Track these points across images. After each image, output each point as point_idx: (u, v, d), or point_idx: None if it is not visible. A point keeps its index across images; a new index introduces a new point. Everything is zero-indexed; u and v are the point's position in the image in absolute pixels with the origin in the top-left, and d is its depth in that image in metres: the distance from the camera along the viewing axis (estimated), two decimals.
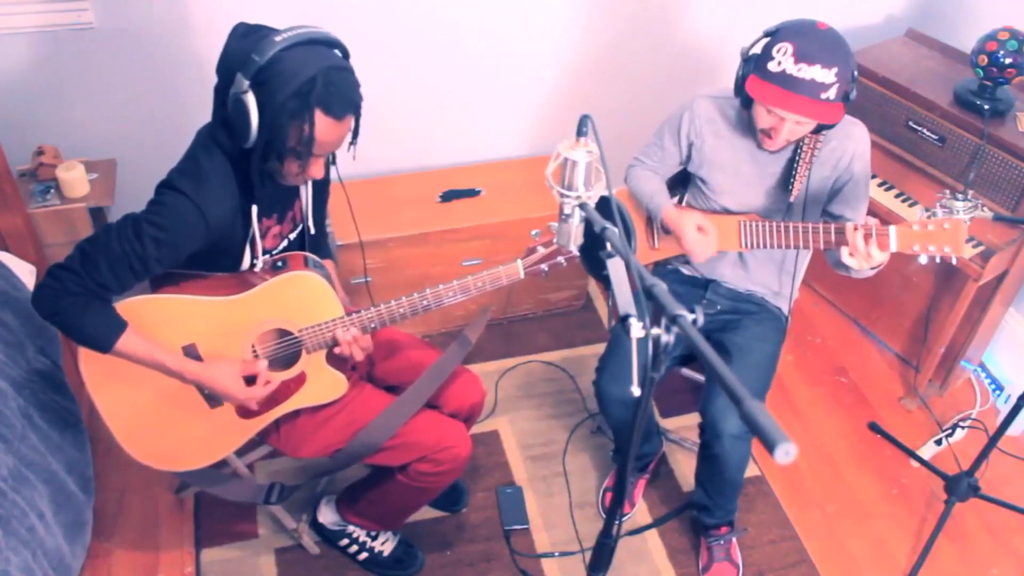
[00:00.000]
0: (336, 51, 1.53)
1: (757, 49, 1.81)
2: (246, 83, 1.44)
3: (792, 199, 1.97)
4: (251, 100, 1.44)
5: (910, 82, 2.61)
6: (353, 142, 1.59)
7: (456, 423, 1.93)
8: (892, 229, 1.75)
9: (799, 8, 2.93)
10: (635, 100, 3.01)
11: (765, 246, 1.99)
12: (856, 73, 1.78)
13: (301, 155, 1.51)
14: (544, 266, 1.74)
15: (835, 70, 1.70)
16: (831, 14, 2.99)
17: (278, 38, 1.44)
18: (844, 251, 1.81)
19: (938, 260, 1.76)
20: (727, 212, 2.06)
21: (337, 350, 1.76)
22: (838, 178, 1.97)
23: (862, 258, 1.78)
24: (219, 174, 1.55)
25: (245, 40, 1.47)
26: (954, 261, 1.74)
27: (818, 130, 1.87)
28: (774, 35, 1.78)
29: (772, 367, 2.10)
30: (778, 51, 1.73)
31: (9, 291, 1.99)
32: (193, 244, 1.56)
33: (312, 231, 1.85)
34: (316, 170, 1.57)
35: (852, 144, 1.93)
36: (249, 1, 2.40)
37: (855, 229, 1.78)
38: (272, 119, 1.46)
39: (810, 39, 1.72)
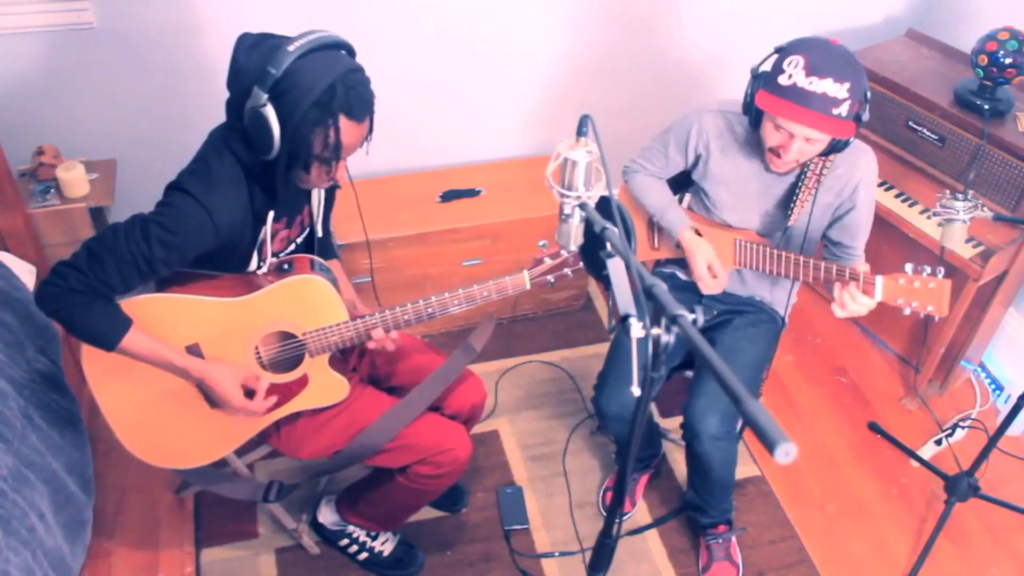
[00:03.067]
0: (344, 52, 1.52)
1: (767, 66, 1.77)
2: (264, 96, 1.43)
3: (791, 223, 1.96)
4: (271, 113, 1.44)
5: (910, 82, 2.61)
6: (368, 138, 1.59)
7: (456, 425, 1.93)
8: (879, 280, 1.76)
9: (799, 9, 2.94)
10: (635, 100, 3.01)
11: (758, 269, 1.99)
12: (868, 93, 1.73)
13: (328, 161, 1.52)
14: (550, 277, 1.74)
15: (847, 85, 1.66)
16: (831, 14, 3.01)
17: (291, 47, 1.42)
18: (834, 306, 1.81)
19: (922, 316, 1.76)
20: (727, 225, 2.06)
21: (371, 344, 1.76)
22: (840, 205, 1.94)
23: (847, 311, 1.79)
24: (230, 178, 1.55)
25: (254, 51, 1.45)
26: (936, 319, 1.76)
27: (826, 152, 1.83)
28: (784, 50, 1.73)
29: (762, 368, 2.10)
30: (789, 64, 1.69)
31: (9, 291, 1.99)
32: (201, 247, 1.56)
33: (320, 233, 1.85)
34: (339, 173, 1.58)
35: (859, 172, 1.89)
36: (249, 2, 2.40)
37: (843, 286, 1.78)
38: (295, 130, 1.45)
39: (822, 52, 1.68)
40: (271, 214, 1.62)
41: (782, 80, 1.70)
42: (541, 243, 1.75)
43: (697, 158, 2.04)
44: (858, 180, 1.90)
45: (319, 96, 1.43)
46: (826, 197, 1.93)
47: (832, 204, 1.95)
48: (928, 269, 1.73)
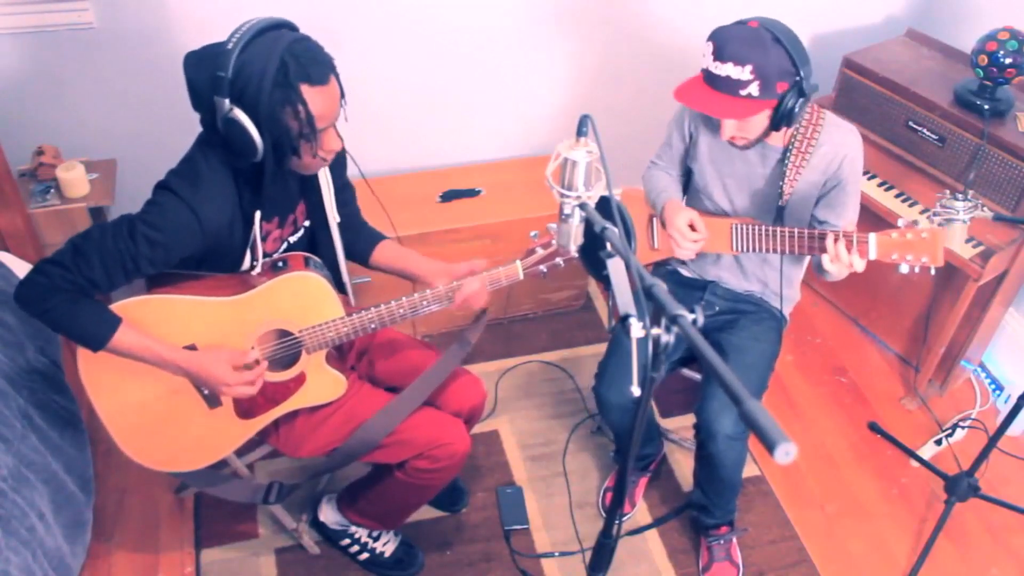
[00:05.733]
0: (285, 29, 1.51)
1: None
2: (227, 102, 1.44)
3: (782, 203, 1.97)
4: (241, 115, 1.44)
5: (910, 82, 2.61)
6: (343, 103, 1.57)
7: (454, 420, 1.93)
8: (872, 237, 1.78)
9: (799, 9, 2.94)
10: (635, 100, 3.01)
11: (756, 250, 2.00)
12: (803, 72, 1.76)
13: (309, 137, 1.50)
14: (543, 267, 1.74)
15: (749, 67, 1.71)
16: (831, 14, 3.01)
17: (230, 45, 1.43)
18: (826, 258, 1.84)
19: (917, 270, 1.78)
20: (723, 214, 2.07)
21: (458, 304, 1.74)
22: (826, 182, 1.96)
23: (843, 266, 1.82)
24: (217, 179, 1.55)
25: (201, 66, 1.47)
26: (932, 271, 1.77)
27: (775, 126, 1.83)
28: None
29: (768, 367, 2.10)
30: (707, 48, 1.77)
31: (9, 291, 1.99)
32: (188, 247, 1.56)
33: (337, 218, 1.84)
34: (331, 142, 1.56)
35: (844, 148, 1.92)
36: (248, 2, 2.40)
37: (836, 239, 1.81)
38: (268, 119, 1.46)
39: (729, 37, 1.74)
40: (258, 214, 1.61)
41: (703, 63, 1.79)
42: (532, 233, 1.76)
43: (690, 139, 2.09)
44: (843, 155, 1.93)
45: (274, 76, 1.43)
46: (812, 175, 1.96)
47: (819, 182, 1.97)
48: (922, 222, 1.74)
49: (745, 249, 2.02)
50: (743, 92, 1.74)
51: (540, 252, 1.74)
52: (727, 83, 1.74)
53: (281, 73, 1.43)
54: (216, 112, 1.46)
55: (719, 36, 1.76)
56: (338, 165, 1.81)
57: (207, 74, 1.44)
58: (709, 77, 1.77)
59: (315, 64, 1.46)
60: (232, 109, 1.44)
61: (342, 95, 1.55)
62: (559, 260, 1.74)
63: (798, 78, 1.76)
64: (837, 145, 1.92)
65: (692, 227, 2.03)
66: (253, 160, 1.51)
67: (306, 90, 1.46)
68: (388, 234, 1.98)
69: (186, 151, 1.61)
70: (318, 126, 1.50)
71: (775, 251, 1.96)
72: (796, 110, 1.79)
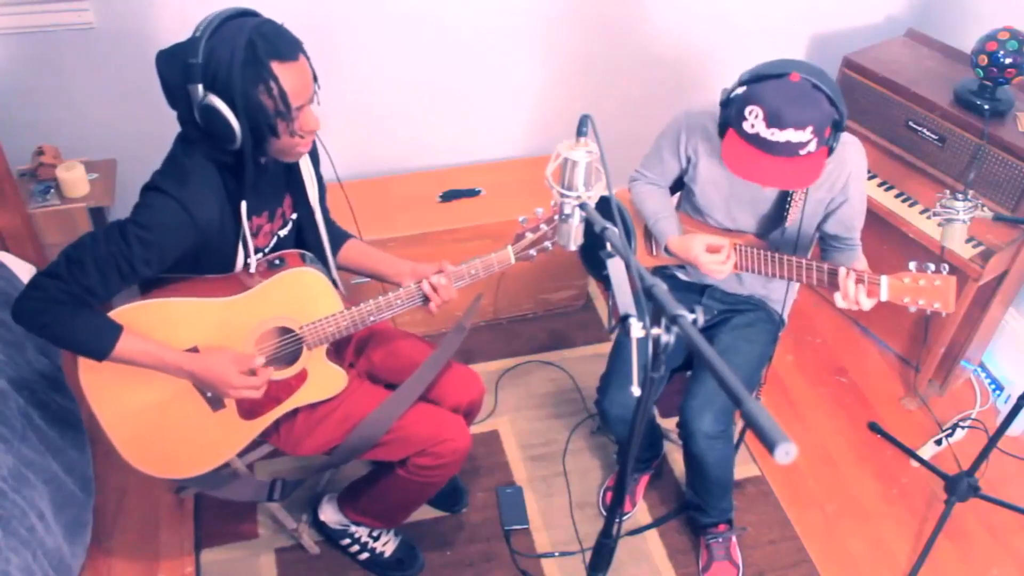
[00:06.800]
0: (250, 16, 1.52)
1: (739, 91, 1.77)
2: (200, 87, 1.44)
3: (788, 224, 1.95)
4: (216, 101, 1.44)
5: (910, 82, 2.61)
6: (317, 86, 1.56)
7: (455, 416, 1.93)
8: (884, 280, 1.76)
9: (799, 9, 2.94)
10: (635, 100, 3.01)
11: (760, 273, 1.98)
12: (842, 110, 1.73)
13: (285, 115, 1.50)
14: (532, 251, 1.76)
15: (809, 128, 1.67)
16: (831, 14, 3.01)
17: (198, 33, 1.44)
18: (837, 295, 1.82)
19: (928, 313, 1.77)
20: (726, 231, 2.06)
21: (432, 304, 1.75)
22: (832, 199, 1.95)
23: (851, 303, 1.80)
24: (202, 174, 1.55)
25: (172, 61, 1.47)
26: (944, 315, 1.76)
27: None
28: (747, 89, 1.74)
29: (758, 368, 2.10)
30: (751, 114, 1.70)
31: (9, 291, 1.99)
32: (181, 244, 1.55)
33: (319, 215, 1.83)
34: (309, 122, 1.55)
35: (848, 166, 1.91)
36: (250, 3, 2.40)
37: (847, 274, 1.79)
38: (243, 100, 1.45)
39: (780, 100, 1.67)
40: (243, 204, 1.60)
41: (746, 127, 1.72)
42: (521, 219, 1.76)
43: (688, 161, 2.05)
44: (848, 173, 1.91)
45: (244, 56, 1.42)
46: (818, 193, 1.94)
47: (824, 200, 1.96)
48: (932, 267, 1.74)
49: (747, 270, 2.00)
50: (802, 151, 1.70)
51: (530, 236, 1.75)
52: (786, 147, 1.69)
53: (250, 51, 1.43)
54: (191, 103, 1.46)
55: (769, 101, 1.67)
56: (314, 157, 1.80)
57: (179, 65, 1.44)
58: (761, 142, 1.70)
59: (282, 41, 1.46)
60: (207, 95, 1.44)
61: (315, 77, 1.55)
62: (547, 243, 1.75)
63: (837, 117, 1.74)
64: (841, 163, 1.90)
65: (712, 249, 1.98)
66: (233, 146, 1.50)
67: (277, 67, 1.45)
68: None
69: (167, 154, 1.60)
70: (292, 103, 1.49)
71: (780, 277, 1.93)
72: (835, 146, 1.78)
